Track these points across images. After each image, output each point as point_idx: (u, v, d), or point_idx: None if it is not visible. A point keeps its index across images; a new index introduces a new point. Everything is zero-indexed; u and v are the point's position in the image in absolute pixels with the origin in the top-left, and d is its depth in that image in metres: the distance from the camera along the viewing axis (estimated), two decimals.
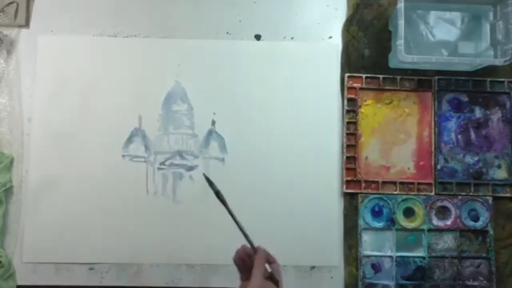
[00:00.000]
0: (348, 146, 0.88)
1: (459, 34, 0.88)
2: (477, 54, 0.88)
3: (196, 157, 0.88)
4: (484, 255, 0.87)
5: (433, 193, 0.87)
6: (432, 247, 0.87)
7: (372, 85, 0.89)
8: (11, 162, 0.86)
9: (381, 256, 0.86)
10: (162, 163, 0.88)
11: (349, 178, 0.87)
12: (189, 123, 0.88)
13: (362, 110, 0.89)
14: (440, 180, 0.88)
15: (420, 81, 0.89)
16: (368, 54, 0.90)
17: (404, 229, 0.87)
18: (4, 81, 0.88)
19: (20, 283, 0.85)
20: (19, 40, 0.89)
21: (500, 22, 0.84)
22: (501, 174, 0.88)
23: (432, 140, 0.88)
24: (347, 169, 0.87)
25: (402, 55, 0.80)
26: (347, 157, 0.88)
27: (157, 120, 0.88)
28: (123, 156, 0.87)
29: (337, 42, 0.91)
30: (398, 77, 0.89)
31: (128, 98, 0.88)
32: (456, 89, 0.89)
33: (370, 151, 0.88)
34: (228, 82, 0.89)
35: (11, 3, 0.89)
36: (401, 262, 0.86)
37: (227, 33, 0.91)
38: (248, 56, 0.90)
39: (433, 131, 0.89)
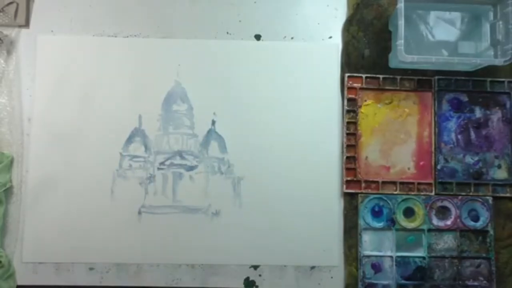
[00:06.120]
0: (348, 146, 0.88)
1: (459, 34, 0.88)
2: (477, 54, 0.87)
3: (196, 157, 0.88)
4: (484, 255, 0.87)
5: (433, 193, 0.87)
6: (432, 247, 0.87)
7: (372, 85, 0.89)
8: (11, 162, 0.86)
9: (381, 256, 0.86)
10: (162, 163, 0.88)
11: (349, 178, 0.87)
12: (189, 123, 0.88)
13: (362, 110, 0.89)
14: (440, 180, 0.88)
15: (420, 81, 0.89)
16: (368, 54, 0.90)
17: (404, 229, 0.87)
18: (4, 81, 0.88)
19: (20, 283, 0.85)
20: (19, 40, 0.89)
21: (500, 22, 0.84)
22: (501, 174, 0.88)
23: (432, 140, 0.88)
24: (347, 169, 0.87)
25: (402, 55, 0.80)
26: (347, 157, 0.88)
27: (157, 120, 0.88)
28: (123, 156, 0.87)
29: (337, 42, 0.91)
30: (398, 77, 0.89)
31: (128, 98, 0.88)
32: (456, 89, 0.89)
33: (370, 151, 0.88)
34: (228, 82, 0.89)
35: (11, 3, 0.89)
36: (401, 262, 0.86)
37: (227, 33, 0.91)
38: (248, 56, 0.90)
39: (433, 131, 0.89)
